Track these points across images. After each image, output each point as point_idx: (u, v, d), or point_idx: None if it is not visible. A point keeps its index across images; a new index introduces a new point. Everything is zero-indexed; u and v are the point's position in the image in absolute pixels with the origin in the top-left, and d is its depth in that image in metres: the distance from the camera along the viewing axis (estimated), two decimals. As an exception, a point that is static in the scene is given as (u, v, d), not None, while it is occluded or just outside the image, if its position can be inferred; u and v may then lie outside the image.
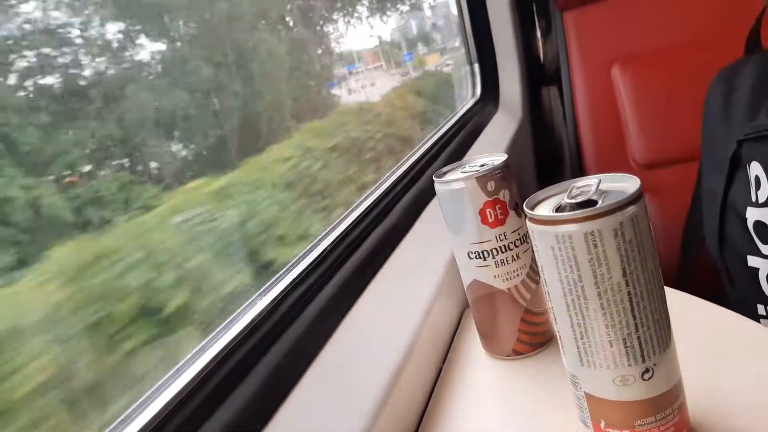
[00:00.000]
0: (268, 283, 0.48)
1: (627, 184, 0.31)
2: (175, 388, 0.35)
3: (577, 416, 0.35)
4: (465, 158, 0.47)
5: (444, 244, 0.57)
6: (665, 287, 0.32)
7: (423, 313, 0.49)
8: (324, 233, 0.57)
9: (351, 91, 2.67)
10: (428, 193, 0.70)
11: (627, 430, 0.32)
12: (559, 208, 0.31)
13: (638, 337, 0.31)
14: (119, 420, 0.34)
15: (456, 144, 0.93)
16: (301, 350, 0.42)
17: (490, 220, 0.43)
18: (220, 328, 0.42)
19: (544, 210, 0.32)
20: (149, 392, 0.36)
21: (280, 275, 0.49)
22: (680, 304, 0.32)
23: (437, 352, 0.50)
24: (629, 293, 0.30)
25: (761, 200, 0.64)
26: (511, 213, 0.44)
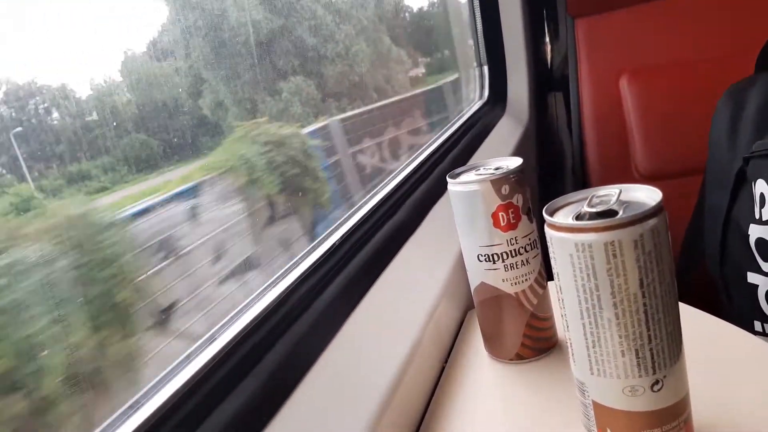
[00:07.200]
0: (275, 278, 0.48)
1: (647, 195, 0.31)
2: (179, 381, 0.35)
3: (582, 423, 0.35)
4: (478, 160, 0.47)
5: (450, 245, 0.57)
6: None
7: (427, 312, 0.49)
8: (332, 229, 0.57)
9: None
10: (435, 194, 0.70)
11: None
12: (578, 216, 0.31)
13: (650, 349, 0.31)
14: (116, 415, 0.33)
15: (463, 145, 0.94)
16: (306, 346, 0.42)
17: (502, 224, 0.43)
18: (224, 321, 0.42)
19: (563, 217, 0.32)
20: (151, 385, 0.35)
21: (287, 270, 0.49)
22: (683, 316, 0.33)
23: (440, 351, 0.50)
24: (645, 304, 0.30)
25: (765, 218, 0.64)
26: (523, 218, 0.44)
